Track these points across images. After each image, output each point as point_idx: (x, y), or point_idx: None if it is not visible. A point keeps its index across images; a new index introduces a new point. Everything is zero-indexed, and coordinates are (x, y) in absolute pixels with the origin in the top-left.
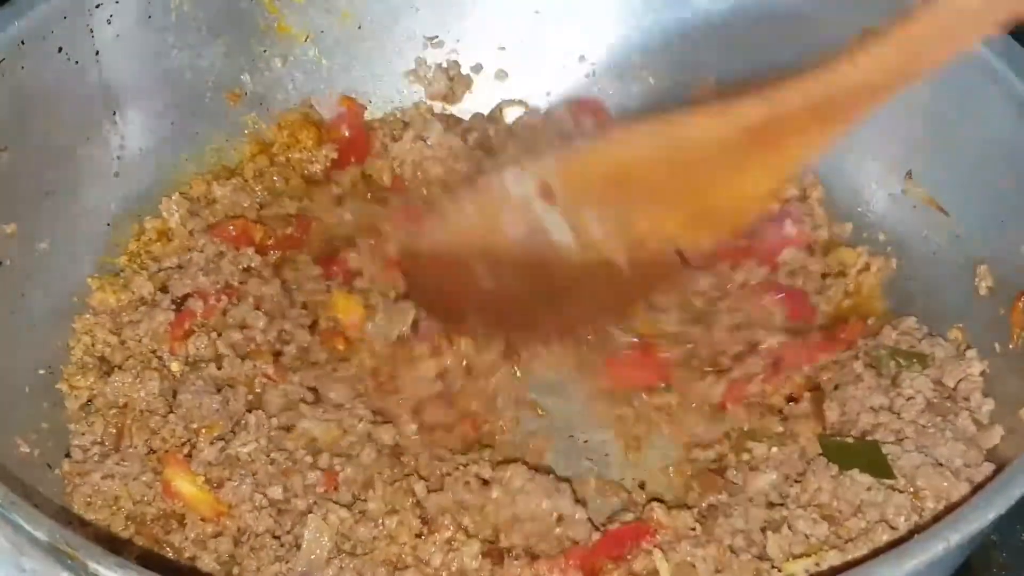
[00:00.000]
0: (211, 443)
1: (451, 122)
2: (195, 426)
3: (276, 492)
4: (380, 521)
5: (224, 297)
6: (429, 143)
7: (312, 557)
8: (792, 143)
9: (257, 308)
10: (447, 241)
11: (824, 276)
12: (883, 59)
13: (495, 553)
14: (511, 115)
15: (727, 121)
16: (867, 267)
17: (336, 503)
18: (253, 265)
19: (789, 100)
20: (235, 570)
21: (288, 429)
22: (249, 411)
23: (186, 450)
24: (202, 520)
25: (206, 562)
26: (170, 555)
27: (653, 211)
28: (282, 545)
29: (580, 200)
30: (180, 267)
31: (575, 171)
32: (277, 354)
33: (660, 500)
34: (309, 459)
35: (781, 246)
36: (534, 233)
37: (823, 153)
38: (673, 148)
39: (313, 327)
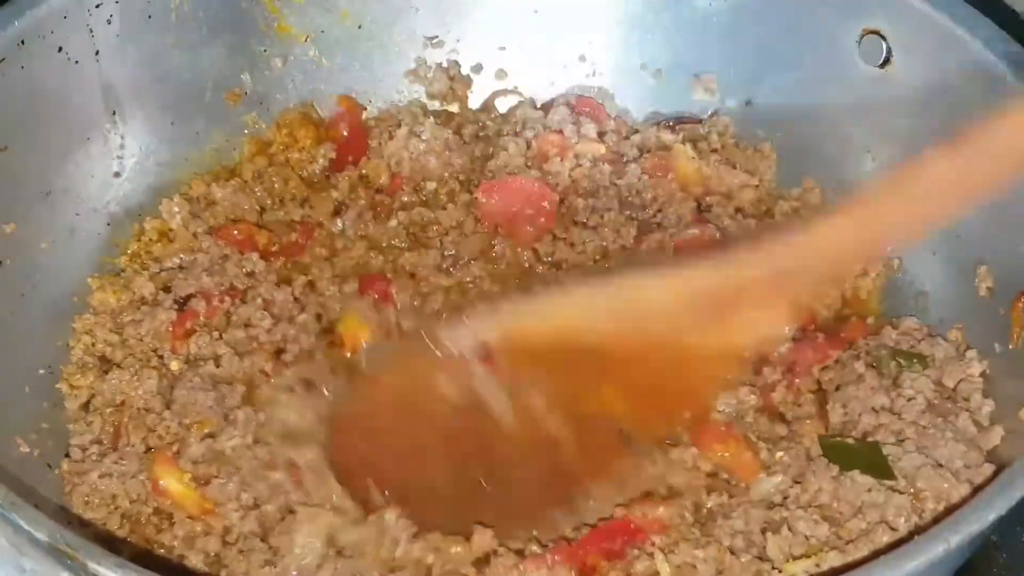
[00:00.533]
0: (200, 439)
1: (445, 117)
2: (187, 422)
3: (261, 491)
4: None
5: (227, 298)
6: (423, 138)
7: (303, 561)
8: (749, 316)
9: (265, 310)
10: (377, 405)
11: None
12: (843, 233)
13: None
14: (504, 105)
15: (680, 283)
16: (865, 273)
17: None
18: (257, 270)
19: (744, 265)
20: (222, 573)
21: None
22: (239, 407)
23: (176, 447)
24: (190, 518)
25: (193, 562)
26: (162, 554)
27: (599, 390)
28: (270, 548)
29: (522, 365)
30: (182, 267)
31: (518, 334)
32: (278, 352)
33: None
34: (291, 454)
35: None
36: (470, 401)
37: (783, 329)
38: (623, 311)
39: (322, 335)
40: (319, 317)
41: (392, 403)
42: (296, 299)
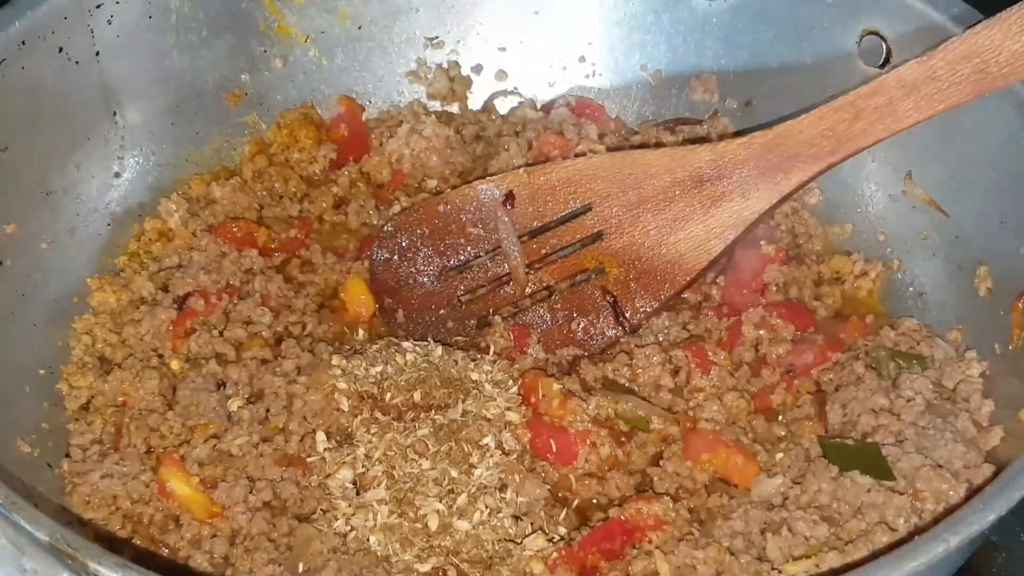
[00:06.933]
0: (204, 441)
1: (445, 117)
2: (192, 423)
3: (268, 493)
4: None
5: (225, 296)
6: (425, 135)
7: (309, 560)
8: (733, 199)
9: (264, 304)
10: (417, 228)
11: (819, 283)
12: (828, 124)
13: None
14: (504, 106)
15: (680, 159)
16: (865, 273)
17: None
18: (254, 267)
19: (734, 149)
20: (228, 572)
21: (267, 414)
22: (244, 406)
23: (183, 450)
24: (197, 521)
25: (199, 562)
26: (166, 555)
27: (599, 247)
28: (276, 547)
29: (538, 202)
30: (180, 266)
31: (540, 176)
32: (278, 341)
33: (646, 491)
34: (294, 447)
35: (763, 266)
36: (489, 236)
37: (759, 215)
38: (629, 167)
39: (322, 308)
40: (319, 293)
41: (428, 232)
42: (293, 279)
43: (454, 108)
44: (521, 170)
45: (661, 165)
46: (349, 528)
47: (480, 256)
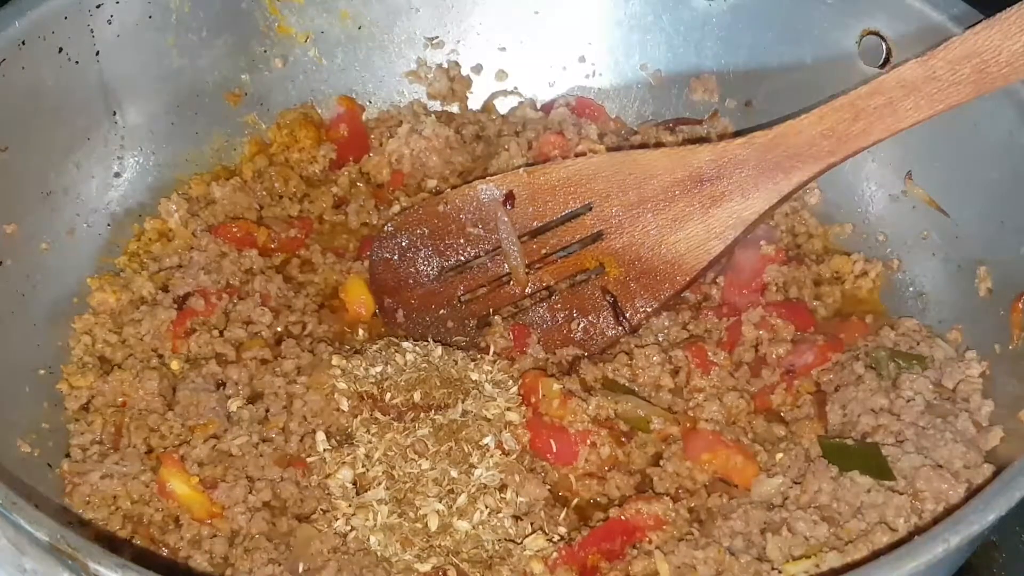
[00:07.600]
0: (204, 441)
1: (445, 117)
2: (192, 423)
3: (268, 493)
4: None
5: (225, 296)
6: (424, 135)
7: (309, 560)
8: (733, 199)
9: (264, 304)
10: (417, 228)
11: (819, 283)
12: (828, 124)
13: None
14: (505, 106)
15: (680, 159)
16: (865, 273)
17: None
18: (254, 267)
19: (734, 149)
20: (228, 572)
21: (267, 414)
22: (244, 406)
23: (183, 450)
24: (196, 521)
25: (199, 562)
26: (166, 555)
27: (599, 248)
28: (276, 547)
29: (538, 202)
30: (180, 267)
31: (540, 176)
32: (278, 341)
33: (646, 491)
34: (294, 447)
35: (763, 266)
36: (491, 243)
37: (759, 215)
38: (629, 167)
39: (322, 308)
40: (319, 293)
41: (428, 232)
42: (293, 279)
43: (454, 108)
44: (521, 170)
45: (661, 165)
46: (349, 528)
47: (480, 256)
